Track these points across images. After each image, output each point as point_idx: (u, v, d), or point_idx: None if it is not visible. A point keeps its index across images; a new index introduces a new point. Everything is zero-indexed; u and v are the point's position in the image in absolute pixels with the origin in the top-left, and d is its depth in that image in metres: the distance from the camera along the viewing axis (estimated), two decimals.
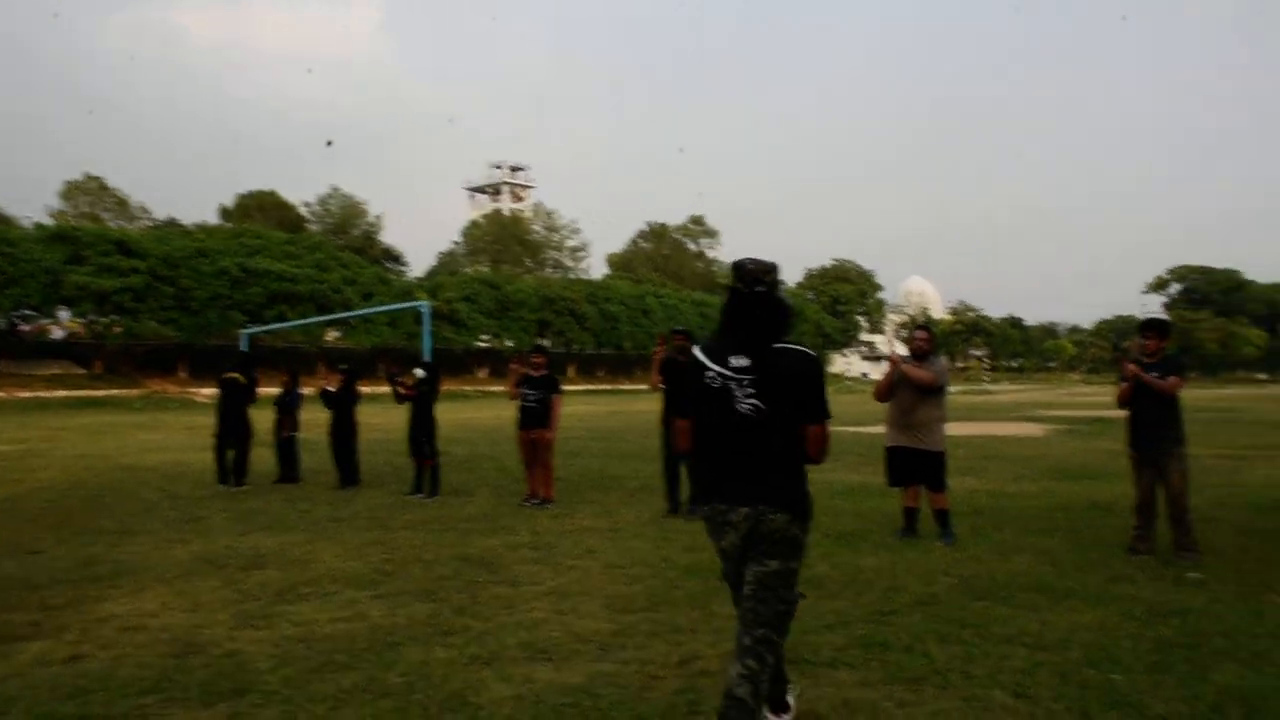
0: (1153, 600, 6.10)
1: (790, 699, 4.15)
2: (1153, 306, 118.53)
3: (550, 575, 7.02)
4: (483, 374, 60.19)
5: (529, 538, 8.52)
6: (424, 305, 17.17)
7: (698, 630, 5.50)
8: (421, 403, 11.57)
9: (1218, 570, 6.98)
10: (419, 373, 11.79)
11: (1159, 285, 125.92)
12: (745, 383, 3.70)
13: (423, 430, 11.46)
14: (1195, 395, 54.70)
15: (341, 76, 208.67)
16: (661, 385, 9.75)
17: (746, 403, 3.69)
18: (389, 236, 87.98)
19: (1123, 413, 7.82)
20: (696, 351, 3.89)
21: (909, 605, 5.98)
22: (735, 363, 3.73)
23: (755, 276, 3.80)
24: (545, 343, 63.62)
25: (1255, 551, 7.70)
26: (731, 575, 3.92)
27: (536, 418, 10.54)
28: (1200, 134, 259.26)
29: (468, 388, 53.15)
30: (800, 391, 3.73)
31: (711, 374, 3.77)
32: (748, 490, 3.72)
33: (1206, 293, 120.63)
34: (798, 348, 3.76)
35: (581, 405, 38.53)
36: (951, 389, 9.33)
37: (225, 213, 70.19)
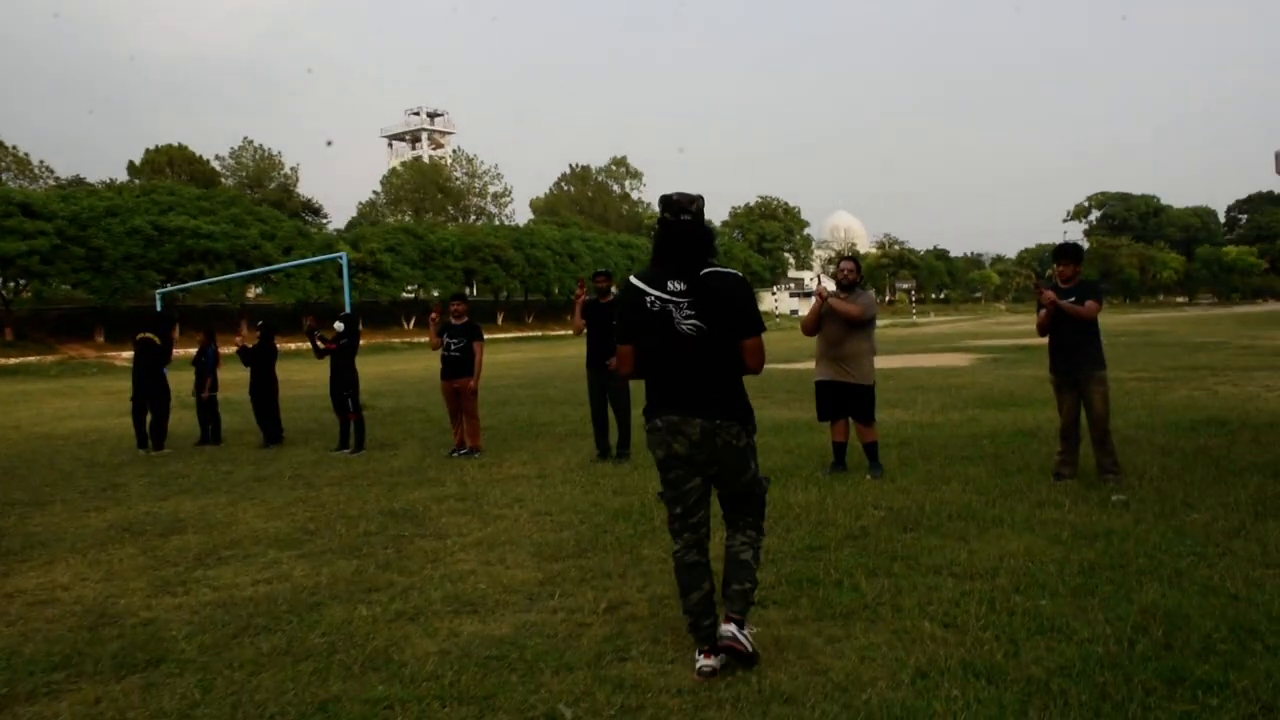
0: (1078, 524, 6.18)
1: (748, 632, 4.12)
2: (1074, 233, 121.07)
3: (478, 526, 6.92)
4: (409, 325, 59.45)
5: (456, 489, 8.40)
6: (343, 257, 16.84)
7: (626, 575, 5.46)
8: (342, 356, 11.32)
9: (1140, 491, 7.09)
10: (338, 326, 11.53)
11: (1079, 213, 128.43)
12: (684, 305, 3.99)
13: (345, 384, 11.22)
14: (1116, 319, 56.17)
15: (251, 23, 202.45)
16: (584, 330, 9.63)
17: (686, 323, 3.98)
18: (307, 188, 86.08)
19: (1044, 340, 7.88)
20: (633, 279, 4.13)
21: (838, 540, 5.99)
22: (672, 287, 4.01)
23: (681, 206, 4.10)
24: (472, 290, 63.10)
25: (1176, 471, 7.84)
26: (678, 483, 4.10)
27: (459, 367, 10.37)
28: (1116, 62, 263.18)
29: (395, 339, 52.56)
30: (734, 309, 4.02)
31: (651, 298, 4.04)
32: (699, 403, 4.00)
33: (1125, 219, 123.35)
34: (727, 270, 4.07)
35: (510, 353, 38.30)
36: (880, 322, 9.34)
37: (134, 169, 67.84)
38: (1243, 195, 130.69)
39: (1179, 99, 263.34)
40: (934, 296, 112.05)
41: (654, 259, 4.14)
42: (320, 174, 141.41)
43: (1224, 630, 4.20)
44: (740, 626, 4.04)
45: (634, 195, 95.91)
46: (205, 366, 12.89)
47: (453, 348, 10.42)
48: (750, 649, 4.00)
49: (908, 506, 6.83)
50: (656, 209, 4.12)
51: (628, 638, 4.43)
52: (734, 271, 4.11)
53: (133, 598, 5.43)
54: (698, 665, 3.97)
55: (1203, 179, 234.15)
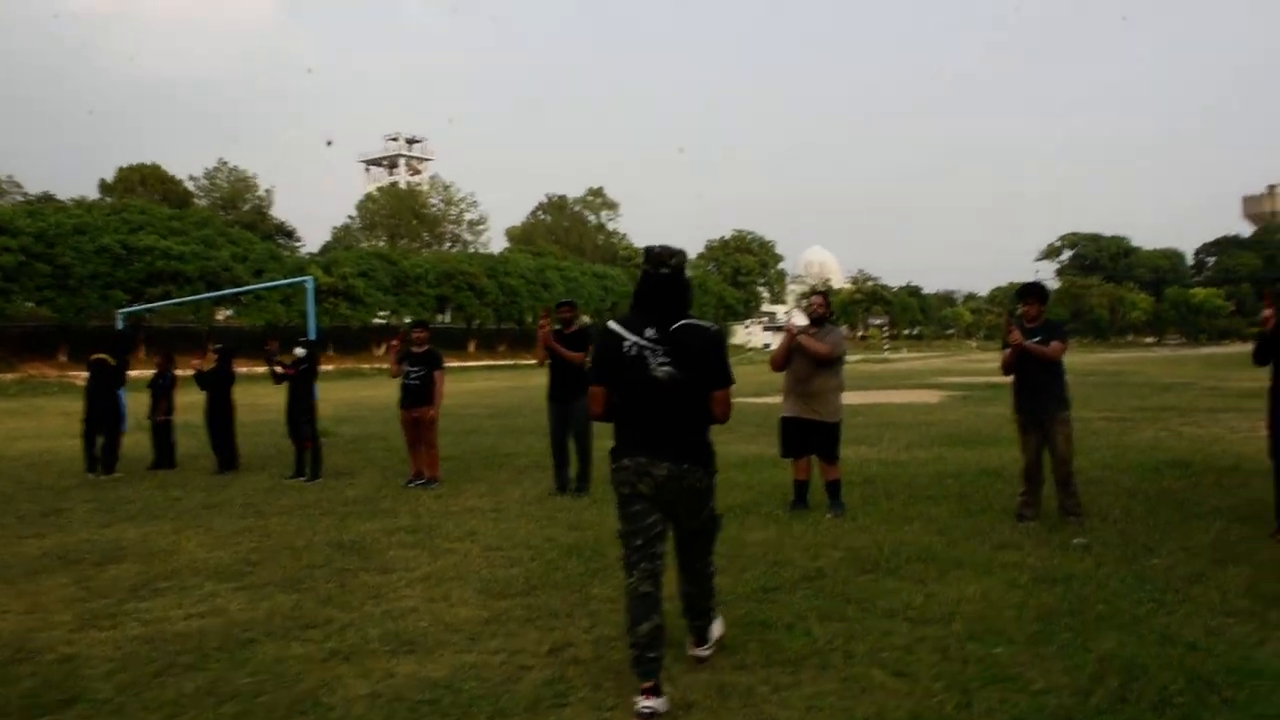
0: (1038, 567, 6.07)
1: (715, 628, 4.59)
2: (1046, 273, 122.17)
3: (426, 560, 6.72)
4: (380, 351, 59.00)
5: (409, 520, 8.20)
6: (309, 281, 16.62)
7: (573, 615, 5.28)
8: (301, 382, 11.10)
9: (1102, 534, 7.00)
10: (299, 352, 11.32)
11: (1051, 252, 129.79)
12: (659, 352, 4.14)
13: (302, 411, 11.00)
14: (1086, 359, 56.51)
15: (231, 44, 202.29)
16: (547, 360, 9.47)
17: (661, 369, 4.14)
18: (281, 211, 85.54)
19: (1010, 378, 7.79)
20: (612, 324, 4.30)
21: (794, 581, 5.84)
22: (650, 334, 4.17)
23: (661, 260, 4.28)
24: (445, 317, 62.82)
25: (1139, 514, 7.75)
26: (638, 519, 4.17)
27: (419, 395, 10.18)
28: (1088, 104, 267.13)
29: (364, 365, 52.03)
30: (706, 361, 4.19)
31: (629, 343, 4.18)
32: (668, 447, 4.15)
33: (1096, 259, 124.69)
34: (702, 322, 4.25)
35: (482, 381, 38.02)
36: (852, 357, 9.25)
37: (105, 187, 67.23)
38: (1210, 239, 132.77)
39: (1149, 142, 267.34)
40: (906, 332, 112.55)
41: (633, 306, 4.33)
42: (295, 197, 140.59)
43: (1181, 682, 4.09)
44: (704, 644, 4.50)
45: (610, 226, 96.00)
46: (162, 389, 12.63)
47: (412, 376, 10.24)
48: (712, 651, 4.51)
49: (867, 547, 6.69)
50: (631, 240, 4.45)
51: (568, 682, 4.26)
52: (709, 325, 4.30)
53: (55, 631, 5.20)
54: (637, 706, 3.83)
55: (1172, 222, 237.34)
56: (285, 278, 45.80)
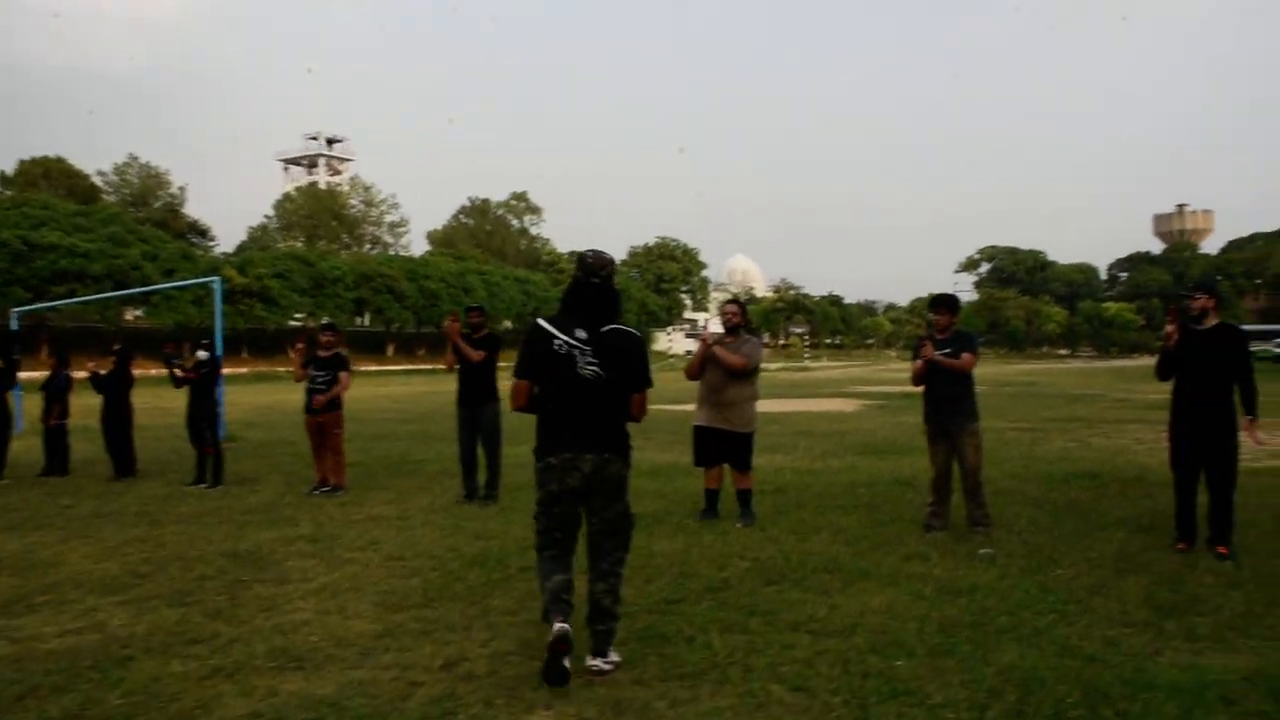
0: (943, 578, 6.06)
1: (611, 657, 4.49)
2: (964, 284, 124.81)
3: (323, 570, 6.50)
4: (296, 354, 57.89)
5: (310, 529, 7.95)
6: (216, 282, 16.17)
7: (471, 627, 5.13)
8: (202, 386, 10.75)
9: (1008, 545, 7.02)
10: (201, 355, 10.96)
11: (970, 265, 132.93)
12: (587, 352, 4.43)
13: (203, 415, 10.66)
14: (1001, 369, 57.77)
15: (143, 35, 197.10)
16: (457, 366, 9.29)
17: (588, 368, 4.42)
18: (195, 210, 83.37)
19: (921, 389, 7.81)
20: (542, 322, 4.55)
21: (698, 593, 5.75)
22: (580, 335, 4.45)
23: (593, 269, 4.60)
24: (364, 320, 61.87)
25: (1045, 525, 7.81)
26: (561, 515, 4.49)
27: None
28: (1010, 121, 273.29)
29: (280, 368, 50.94)
30: (630, 363, 4.51)
31: (559, 342, 4.45)
32: (592, 440, 4.42)
33: (1013, 272, 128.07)
34: (626, 328, 4.55)
35: (398, 386, 37.51)
36: (772, 366, 9.22)
37: (5, 180, 64.91)
38: (1123, 254, 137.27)
39: (1066, 160, 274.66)
40: (828, 341, 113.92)
41: (563, 309, 4.59)
42: (210, 195, 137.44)
43: (1077, 694, 4.09)
44: (604, 657, 4.41)
45: (533, 230, 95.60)
46: (56, 392, 12.15)
47: (319, 380, 9.96)
48: (611, 666, 4.40)
49: (774, 558, 6.63)
50: (555, 245, 4.65)
51: (459, 699, 4.11)
52: (633, 331, 4.61)
53: None
54: (555, 628, 4.23)
55: (1086, 238, 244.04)
56: (197, 278, 44.70)
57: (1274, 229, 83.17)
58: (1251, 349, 6.98)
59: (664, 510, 8.45)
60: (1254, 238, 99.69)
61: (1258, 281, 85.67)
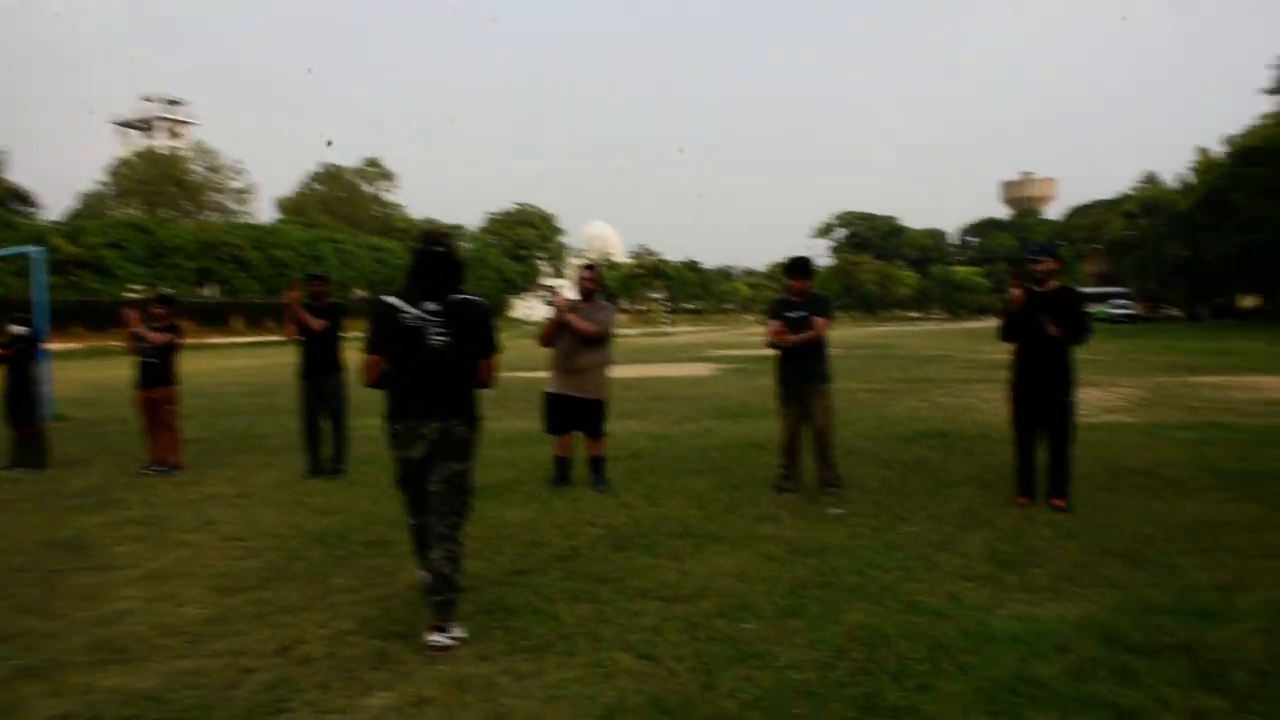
0: (793, 539, 6.10)
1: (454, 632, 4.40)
2: (819, 250, 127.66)
3: (152, 555, 6.13)
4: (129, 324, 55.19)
5: (141, 511, 7.50)
6: (35, 251, 15.18)
7: (311, 608, 4.91)
8: (20, 362, 10.05)
9: (858, 504, 7.13)
10: (16, 329, 10.24)
11: (825, 230, 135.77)
12: (436, 323, 4.48)
13: (22, 394, 9.96)
14: (856, 332, 59.32)
15: None
16: (300, 337, 8.92)
17: (437, 339, 4.47)
18: (18, 175, 78.16)
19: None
20: (386, 298, 4.60)
21: (547, 562, 5.65)
22: (429, 307, 4.50)
23: (436, 239, 4.69)
24: (210, 291, 59.47)
25: (894, 483, 7.96)
26: (413, 480, 4.59)
27: (157, 374, 9.40)
28: (859, 91, 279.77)
29: (114, 343, 48.54)
30: (477, 332, 4.57)
31: (408, 315, 4.49)
32: (437, 408, 4.48)
33: (868, 237, 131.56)
34: (474, 297, 4.61)
35: (244, 359, 36.13)
36: (631, 331, 9.12)
37: None
38: (973, 220, 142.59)
39: (921, 129, 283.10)
40: (686, 307, 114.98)
41: (410, 282, 4.60)
42: (36, 160, 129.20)
43: (921, 650, 4.15)
44: (444, 632, 4.33)
45: (386, 197, 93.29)
46: None
47: (151, 353, 9.43)
48: (454, 641, 4.32)
49: (625, 524, 6.57)
50: (408, 212, 4.59)
51: (293, 684, 3.92)
52: (481, 299, 4.65)
53: None
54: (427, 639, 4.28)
55: (937, 204, 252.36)
56: (21, 246, 42.05)
57: (1112, 196, 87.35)
58: (1089, 310, 7.24)
59: (515, 479, 8.30)
60: (1094, 204, 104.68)
61: (1096, 246, 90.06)
